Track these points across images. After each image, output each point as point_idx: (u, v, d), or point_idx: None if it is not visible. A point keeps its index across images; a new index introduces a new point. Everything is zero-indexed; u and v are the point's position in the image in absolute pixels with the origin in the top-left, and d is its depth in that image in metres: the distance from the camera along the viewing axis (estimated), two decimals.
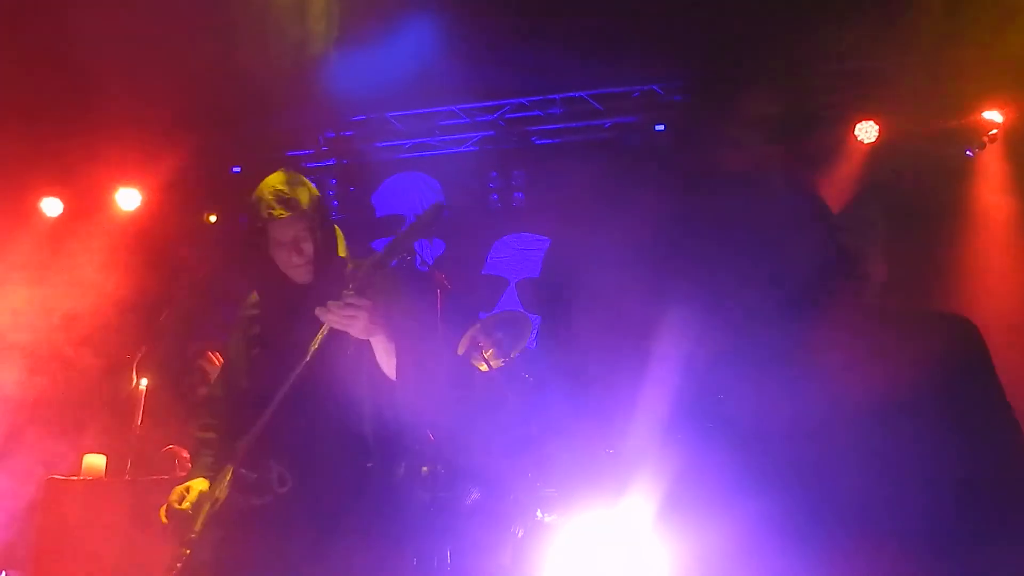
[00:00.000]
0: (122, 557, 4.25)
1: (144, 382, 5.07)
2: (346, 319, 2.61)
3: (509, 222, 7.60)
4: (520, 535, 4.51)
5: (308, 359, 2.68)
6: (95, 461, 4.68)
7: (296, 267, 2.87)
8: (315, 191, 2.96)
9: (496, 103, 7.38)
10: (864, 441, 2.26)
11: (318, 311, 2.63)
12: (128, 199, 7.51)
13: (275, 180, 2.88)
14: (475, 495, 4.68)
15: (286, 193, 2.84)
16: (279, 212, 2.81)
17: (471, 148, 7.65)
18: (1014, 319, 5.65)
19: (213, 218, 7.77)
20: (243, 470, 2.73)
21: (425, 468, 4.49)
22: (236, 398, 2.96)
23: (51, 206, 7.56)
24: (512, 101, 7.35)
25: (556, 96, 7.27)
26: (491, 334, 5.43)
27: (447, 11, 5.78)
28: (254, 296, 3.06)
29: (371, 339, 2.68)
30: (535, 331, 6.27)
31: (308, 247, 2.86)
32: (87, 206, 7.52)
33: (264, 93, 6.44)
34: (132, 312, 6.10)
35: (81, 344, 5.82)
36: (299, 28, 5.85)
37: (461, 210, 7.58)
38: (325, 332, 2.66)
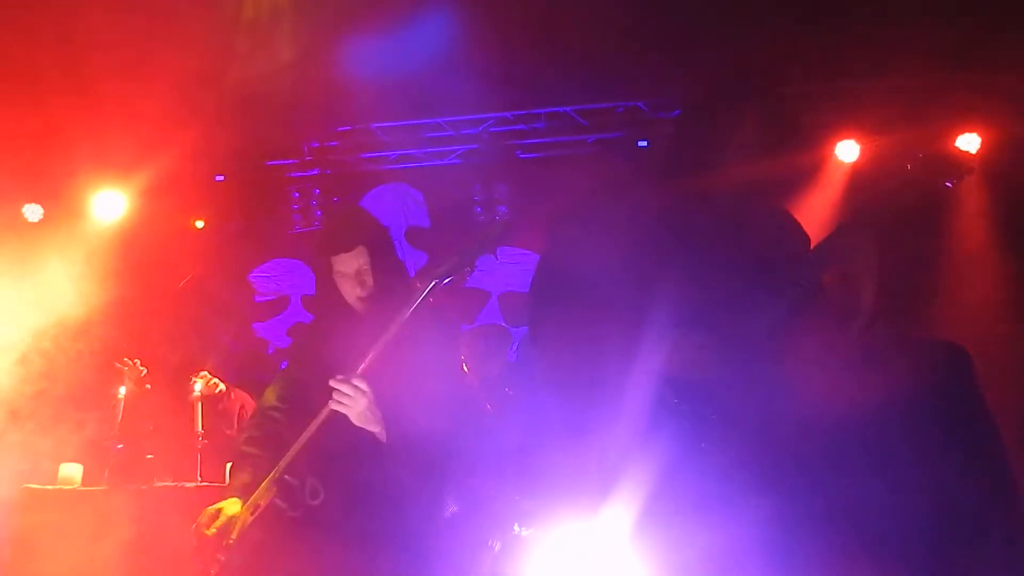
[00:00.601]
0: (98, 568, 4.22)
1: (123, 390, 5.04)
2: (347, 401, 2.73)
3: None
4: (497, 549, 4.51)
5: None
6: (71, 471, 4.64)
7: (358, 299, 3.04)
8: (379, 225, 3.19)
9: (481, 116, 7.40)
10: (847, 458, 2.29)
11: (331, 382, 2.75)
12: (110, 205, 7.49)
13: (342, 213, 3.10)
14: (453, 508, 4.67)
15: (351, 228, 3.07)
16: (344, 247, 3.01)
17: (455, 161, 7.66)
18: (990, 340, 5.71)
19: (200, 223, 7.76)
20: (287, 476, 2.80)
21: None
22: (287, 413, 3.09)
23: (32, 211, 7.53)
24: (497, 115, 7.38)
25: (540, 111, 7.30)
26: (472, 347, 5.44)
27: (433, 25, 5.80)
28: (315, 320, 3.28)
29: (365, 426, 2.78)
30: (517, 344, 6.28)
31: (370, 279, 3.03)
32: (69, 211, 7.48)
33: (249, 102, 6.43)
34: (114, 319, 6.07)
35: (62, 351, 5.78)
36: (284, 38, 5.85)
37: (444, 223, 7.61)
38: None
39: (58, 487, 4.60)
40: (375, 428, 2.80)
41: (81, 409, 5.28)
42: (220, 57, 5.78)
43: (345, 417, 2.79)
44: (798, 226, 2.72)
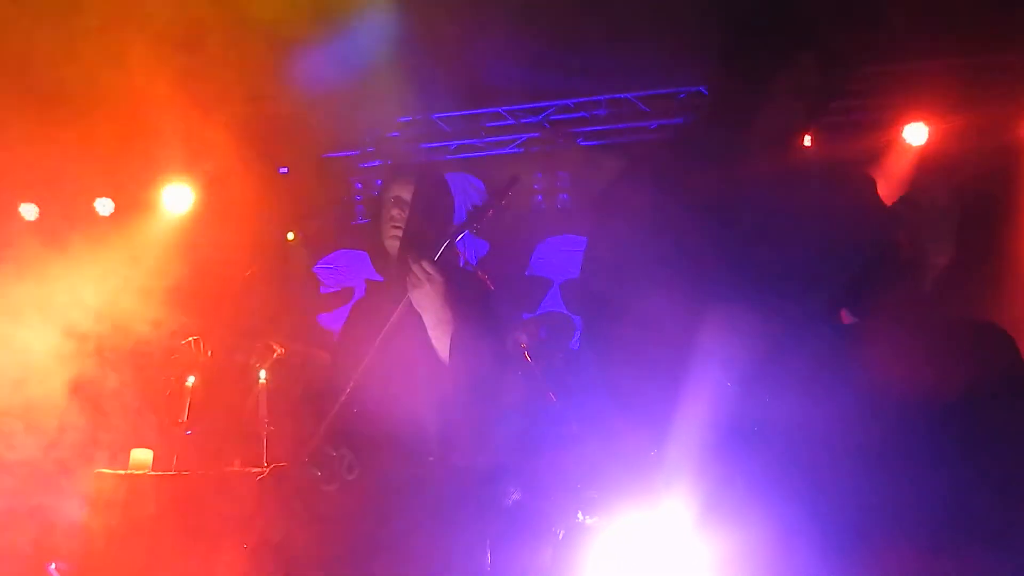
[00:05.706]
0: (167, 551, 4.31)
1: (191, 379, 5.14)
2: (413, 282, 2.76)
3: (554, 223, 7.60)
4: (561, 536, 4.50)
5: (376, 344, 2.81)
6: (142, 456, 4.75)
7: (392, 236, 3.10)
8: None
9: (541, 104, 7.39)
10: (903, 448, 2.23)
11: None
12: (178, 198, 7.64)
13: None
14: (516, 495, 4.68)
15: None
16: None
17: (516, 150, 7.66)
18: None
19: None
20: (326, 447, 2.79)
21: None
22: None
23: (104, 205, 7.72)
24: (557, 103, 7.35)
25: (601, 97, 7.26)
26: (534, 335, 5.43)
27: (493, 14, 5.79)
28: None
29: (423, 313, 2.75)
30: (578, 332, 6.26)
31: (404, 212, 3.11)
32: (138, 205, 7.66)
33: (312, 94, 6.50)
34: (181, 310, 6.18)
35: (133, 341, 5.91)
36: (348, 32, 5.89)
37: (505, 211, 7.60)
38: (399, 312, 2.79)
39: (129, 472, 4.71)
40: (432, 314, 2.80)
41: (151, 396, 5.40)
42: (283, 50, 5.83)
43: (379, 387, 2.76)
44: (868, 189, 2.59)
